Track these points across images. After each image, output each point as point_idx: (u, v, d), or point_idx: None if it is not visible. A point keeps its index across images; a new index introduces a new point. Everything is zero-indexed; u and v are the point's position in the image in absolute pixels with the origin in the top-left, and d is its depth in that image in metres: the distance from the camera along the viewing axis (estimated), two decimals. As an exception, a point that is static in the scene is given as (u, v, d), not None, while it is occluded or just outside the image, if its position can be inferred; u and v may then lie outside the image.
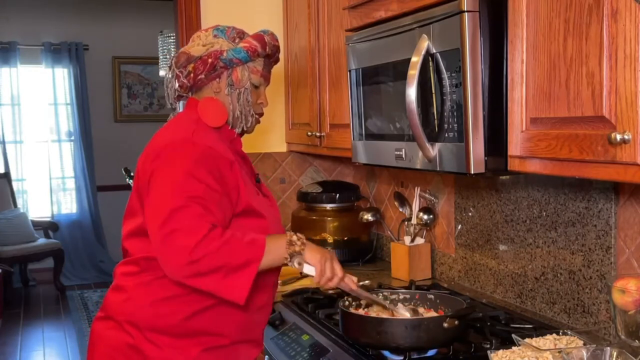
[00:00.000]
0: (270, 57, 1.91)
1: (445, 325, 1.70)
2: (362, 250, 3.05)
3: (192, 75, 1.83)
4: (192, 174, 1.67)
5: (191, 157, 1.69)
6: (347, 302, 1.92)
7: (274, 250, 1.68)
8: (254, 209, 1.78)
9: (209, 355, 1.77)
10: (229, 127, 1.87)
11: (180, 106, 2.00)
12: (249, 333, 1.85)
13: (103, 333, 1.82)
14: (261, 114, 1.94)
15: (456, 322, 1.71)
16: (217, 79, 1.85)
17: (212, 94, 1.86)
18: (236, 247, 1.63)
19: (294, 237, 1.72)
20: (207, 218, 1.63)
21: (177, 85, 1.87)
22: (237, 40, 1.86)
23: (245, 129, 1.90)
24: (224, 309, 1.77)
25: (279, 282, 2.41)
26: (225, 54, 1.82)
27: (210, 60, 1.82)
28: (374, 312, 1.89)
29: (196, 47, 1.84)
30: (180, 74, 1.85)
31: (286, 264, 1.72)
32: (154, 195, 1.68)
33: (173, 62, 1.87)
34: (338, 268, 1.76)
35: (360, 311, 1.90)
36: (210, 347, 1.77)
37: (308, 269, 1.71)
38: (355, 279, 1.84)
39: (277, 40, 1.90)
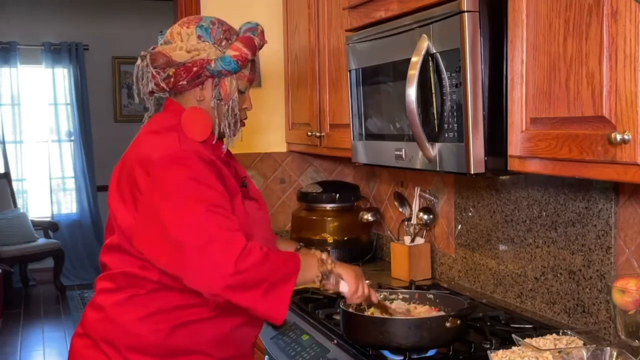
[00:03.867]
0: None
1: (448, 324, 1.70)
2: (362, 250, 3.05)
3: (172, 80, 1.70)
4: (199, 182, 1.58)
5: (189, 165, 1.60)
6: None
7: (307, 267, 1.65)
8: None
9: None
10: (212, 137, 1.76)
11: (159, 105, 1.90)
12: (237, 348, 1.79)
13: (81, 352, 1.75)
14: (245, 118, 1.84)
15: (458, 322, 1.71)
16: (200, 86, 1.73)
17: (195, 101, 1.74)
18: (276, 261, 1.58)
19: (324, 256, 1.71)
20: (234, 225, 1.56)
21: (152, 84, 1.73)
22: (224, 44, 1.72)
23: (230, 138, 1.79)
24: (207, 325, 1.70)
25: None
26: (212, 65, 1.69)
27: (195, 68, 1.68)
28: (369, 312, 1.90)
29: (178, 51, 1.69)
30: (157, 75, 1.71)
31: (313, 283, 1.70)
32: (168, 212, 1.56)
33: (148, 58, 1.72)
34: (366, 286, 1.80)
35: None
36: None
37: (343, 286, 1.75)
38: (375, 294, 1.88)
39: (264, 37, 1.77)
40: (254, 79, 1.80)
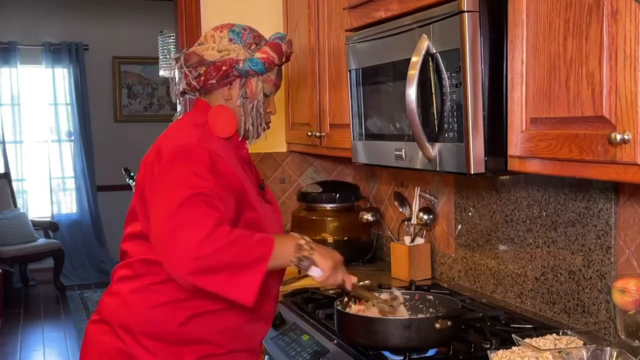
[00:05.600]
0: (283, 63, 1.88)
1: (438, 326, 1.70)
2: (362, 250, 3.05)
3: (202, 78, 1.79)
4: (197, 174, 1.64)
5: (197, 159, 1.66)
6: (345, 300, 1.93)
7: (281, 252, 1.65)
8: (255, 217, 1.76)
9: None
10: (237, 135, 1.83)
11: (185, 105, 1.97)
12: (247, 342, 1.83)
13: (96, 337, 1.80)
14: (269, 122, 1.91)
15: (449, 324, 1.71)
16: (229, 86, 1.80)
17: (222, 100, 1.82)
18: (245, 245, 1.58)
19: (302, 241, 1.68)
20: (213, 214, 1.59)
21: (184, 83, 1.82)
22: (253, 47, 1.81)
23: (254, 138, 1.87)
24: (221, 316, 1.75)
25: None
26: (241, 64, 1.77)
27: (224, 67, 1.77)
28: (370, 311, 1.90)
29: (210, 51, 1.78)
30: (189, 74, 1.79)
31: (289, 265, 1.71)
32: (159, 194, 1.64)
33: (182, 59, 1.81)
34: (343, 276, 1.77)
35: (361, 307, 1.91)
36: (205, 355, 1.75)
37: (315, 272, 1.70)
38: (354, 279, 1.84)
39: (292, 46, 1.87)
40: (279, 86, 1.89)
